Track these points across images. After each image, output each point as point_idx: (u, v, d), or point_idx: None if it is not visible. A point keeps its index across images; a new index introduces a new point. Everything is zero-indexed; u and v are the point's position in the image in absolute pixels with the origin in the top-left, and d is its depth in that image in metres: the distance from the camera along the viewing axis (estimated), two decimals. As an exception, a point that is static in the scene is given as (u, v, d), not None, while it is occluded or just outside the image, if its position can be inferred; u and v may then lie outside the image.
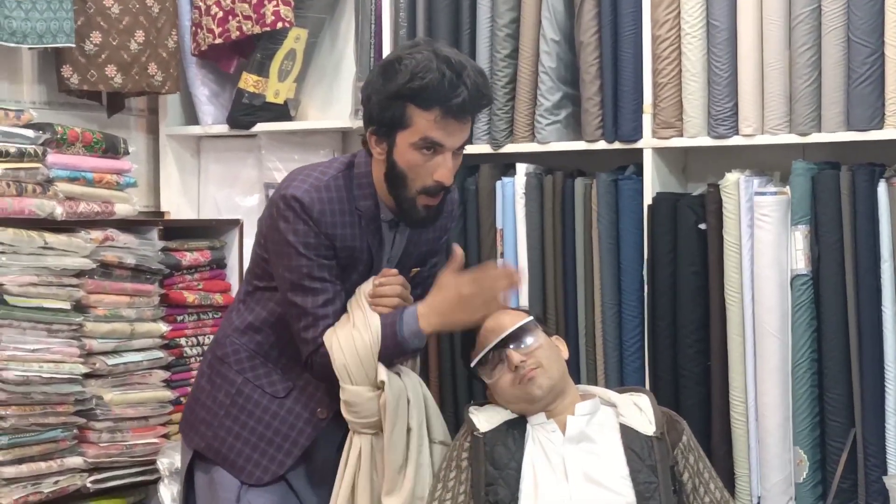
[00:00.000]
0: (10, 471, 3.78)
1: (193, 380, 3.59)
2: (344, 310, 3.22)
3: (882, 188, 3.61)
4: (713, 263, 3.86)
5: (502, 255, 4.15)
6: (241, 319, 3.36)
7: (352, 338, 3.15)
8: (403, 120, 3.07)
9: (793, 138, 3.78)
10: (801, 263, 3.72)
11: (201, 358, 3.57)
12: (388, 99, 3.08)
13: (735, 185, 3.79)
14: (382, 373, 3.15)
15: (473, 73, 3.14)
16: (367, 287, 3.26)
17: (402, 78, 3.05)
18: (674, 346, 3.90)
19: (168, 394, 4.31)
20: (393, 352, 3.19)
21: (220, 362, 3.33)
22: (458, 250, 3.32)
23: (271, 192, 4.50)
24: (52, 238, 3.89)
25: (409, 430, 3.18)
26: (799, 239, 3.72)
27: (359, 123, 4.35)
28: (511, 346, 3.19)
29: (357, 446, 3.22)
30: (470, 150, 4.12)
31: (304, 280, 3.17)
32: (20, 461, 3.83)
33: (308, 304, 3.17)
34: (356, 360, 3.15)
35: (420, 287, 3.41)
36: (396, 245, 3.35)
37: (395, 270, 3.29)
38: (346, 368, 3.14)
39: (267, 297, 3.31)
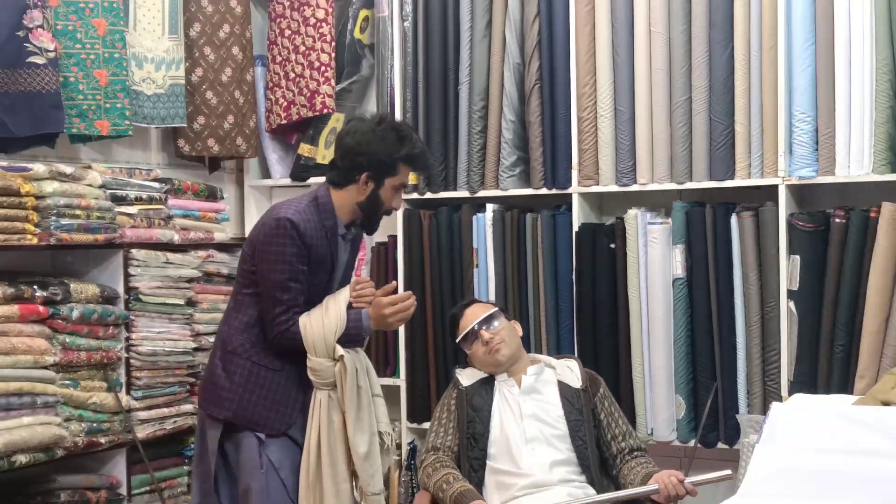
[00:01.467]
0: (143, 414, 3.84)
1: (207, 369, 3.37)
2: (305, 304, 3.19)
3: (734, 219, 3.75)
4: (620, 271, 3.94)
5: (477, 266, 4.17)
6: (238, 321, 3.23)
7: (322, 325, 3.15)
8: (395, 171, 3.18)
9: (672, 185, 3.86)
10: (679, 271, 3.82)
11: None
12: (391, 157, 3.17)
13: (634, 217, 3.90)
14: (339, 350, 3.14)
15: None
16: (345, 292, 3.25)
17: (406, 148, 3.17)
18: (594, 328, 3.99)
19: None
20: (352, 337, 3.20)
21: (231, 354, 3.20)
22: (393, 283, 3.47)
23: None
24: (171, 256, 3.98)
25: (359, 387, 3.18)
26: (678, 254, 3.82)
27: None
28: (483, 328, 3.28)
29: (318, 399, 3.19)
30: (454, 194, 4.25)
31: (287, 281, 3.13)
32: (150, 407, 3.89)
33: (285, 298, 3.13)
34: (322, 340, 3.15)
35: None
36: (343, 251, 3.32)
37: (368, 278, 3.55)
38: (314, 345, 3.14)
39: (255, 301, 3.21)
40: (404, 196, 4.25)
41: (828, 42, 3.57)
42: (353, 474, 3.21)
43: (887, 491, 2.11)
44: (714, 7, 3.75)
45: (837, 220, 3.58)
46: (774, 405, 2.69)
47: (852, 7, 3.50)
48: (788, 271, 3.62)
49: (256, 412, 3.18)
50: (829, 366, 3.58)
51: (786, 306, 3.63)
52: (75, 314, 3.58)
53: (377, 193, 3.20)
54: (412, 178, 4.28)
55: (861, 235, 3.54)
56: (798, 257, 3.61)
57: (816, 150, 3.61)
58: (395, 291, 3.31)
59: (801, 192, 3.72)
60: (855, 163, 3.53)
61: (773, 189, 3.67)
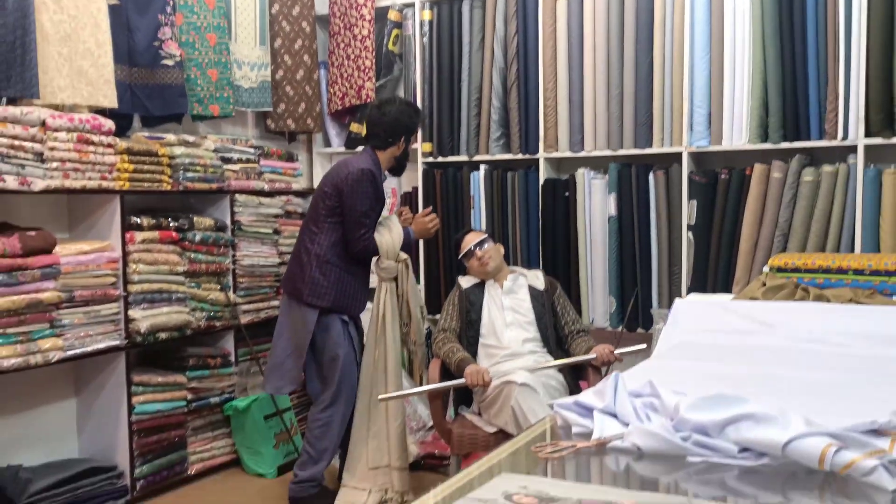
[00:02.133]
0: (244, 307, 3.89)
1: (303, 275, 3.24)
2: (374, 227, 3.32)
3: (651, 176, 3.74)
4: (571, 212, 3.93)
5: (473, 207, 4.17)
6: (327, 241, 3.22)
7: (391, 238, 3.33)
8: (411, 134, 3.36)
9: (609, 152, 3.84)
10: (612, 211, 3.83)
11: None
12: (414, 126, 3.36)
13: (582, 175, 3.89)
14: (402, 254, 3.38)
15: None
16: (394, 217, 3.44)
17: (419, 119, 3.41)
18: (553, 250, 3.99)
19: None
20: (405, 245, 3.38)
21: (326, 263, 3.20)
22: (430, 208, 3.65)
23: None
24: (262, 199, 4.00)
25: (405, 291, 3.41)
26: (611, 200, 3.83)
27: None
28: (477, 248, 3.31)
29: (385, 287, 3.35)
30: (458, 158, 4.24)
31: (369, 211, 3.23)
32: (249, 302, 3.92)
33: (366, 222, 3.23)
34: (392, 248, 3.33)
35: None
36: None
37: (407, 208, 3.61)
38: (386, 251, 3.30)
39: (336, 226, 3.23)
40: (424, 159, 4.29)
41: (718, 53, 3.53)
42: (404, 335, 3.46)
43: (747, 357, 2.16)
44: (640, 28, 3.71)
45: (723, 177, 3.58)
46: (677, 300, 2.71)
47: (736, 28, 3.49)
48: (688, 211, 3.63)
49: (345, 301, 3.27)
50: (715, 274, 3.59)
51: (685, 235, 3.64)
52: (197, 238, 3.62)
53: (406, 150, 3.37)
54: (426, 147, 4.30)
55: (738, 186, 3.54)
56: (696, 201, 3.61)
57: (709, 127, 3.59)
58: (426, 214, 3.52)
59: (698, 157, 3.70)
60: (736, 135, 3.52)
61: (678, 155, 3.65)
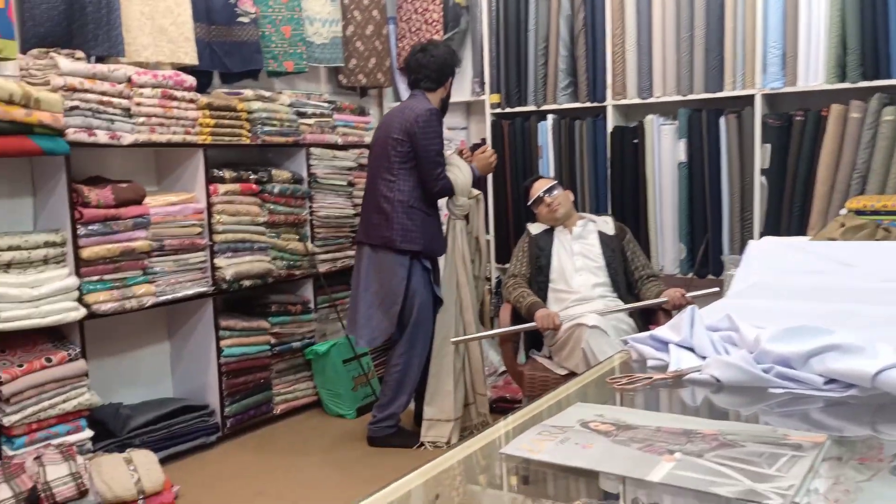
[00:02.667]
0: (322, 256, 3.90)
1: (390, 223, 3.18)
2: None
3: (722, 120, 3.57)
4: (640, 159, 3.79)
5: (541, 157, 4.07)
6: (407, 186, 3.17)
7: (463, 176, 3.29)
8: (452, 74, 3.36)
9: (678, 97, 3.68)
10: (682, 157, 3.68)
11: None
12: (450, 67, 3.33)
13: (651, 121, 3.75)
14: (474, 191, 3.36)
15: None
16: (457, 156, 3.39)
17: (453, 57, 3.36)
18: (622, 196, 3.87)
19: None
20: (473, 182, 3.33)
21: (410, 208, 3.15)
22: (484, 139, 3.68)
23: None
24: (336, 152, 3.98)
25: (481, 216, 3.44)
26: (681, 146, 3.68)
27: (475, 99, 4.38)
28: (546, 195, 3.24)
29: (457, 225, 3.32)
30: (525, 108, 4.14)
31: (442, 149, 3.21)
32: (326, 252, 3.92)
33: (441, 160, 3.19)
34: (465, 185, 3.29)
35: None
36: None
37: (486, 144, 3.63)
38: (461, 189, 3.27)
39: (412, 170, 3.17)
40: (492, 110, 4.20)
41: (795, -11, 3.33)
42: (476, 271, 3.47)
43: (826, 295, 2.03)
44: (712, -34, 3.52)
45: (798, 119, 3.39)
46: (751, 242, 2.57)
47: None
48: (761, 155, 3.45)
49: (433, 243, 3.26)
50: (789, 219, 3.42)
51: (758, 180, 3.47)
52: (276, 190, 3.63)
53: (450, 91, 3.38)
54: (494, 99, 4.20)
55: (814, 128, 3.35)
56: (769, 145, 3.43)
57: (784, 68, 3.39)
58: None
59: (772, 99, 3.51)
60: (812, 75, 3.32)
61: (751, 98, 3.47)
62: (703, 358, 1.44)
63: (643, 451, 1.03)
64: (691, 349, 1.49)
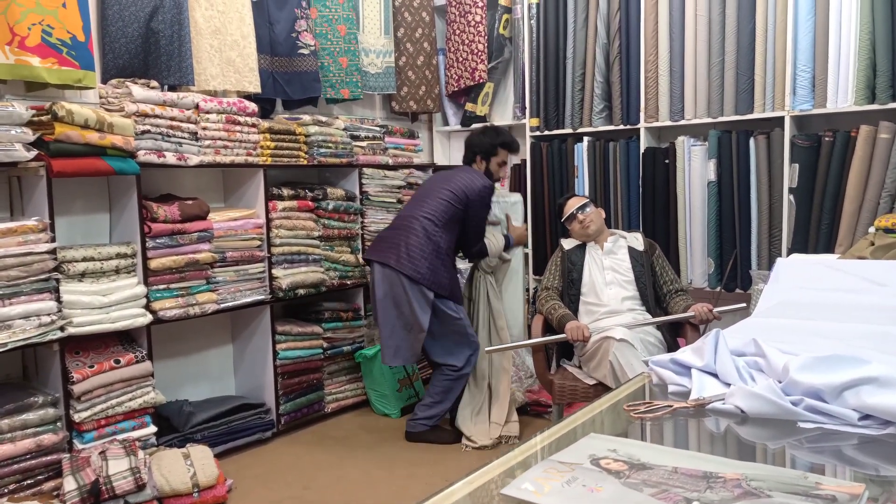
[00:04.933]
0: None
1: (425, 261, 3.03)
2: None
3: (752, 141, 3.29)
4: (671, 178, 3.55)
5: (577, 177, 3.86)
6: (451, 238, 3.11)
7: (496, 243, 3.28)
8: (495, 153, 3.22)
9: (708, 119, 3.41)
10: (712, 177, 3.42)
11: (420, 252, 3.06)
12: (492, 145, 3.22)
13: (682, 143, 3.50)
14: (506, 255, 3.34)
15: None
16: (497, 228, 3.37)
17: (501, 139, 3.22)
18: (653, 213, 3.62)
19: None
20: (505, 250, 3.31)
21: (446, 258, 3.07)
22: (524, 225, 3.54)
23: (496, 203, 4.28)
24: (387, 172, 3.82)
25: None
26: (711, 166, 3.41)
27: (516, 123, 4.19)
28: (579, 212, 3.03)
29: (487, 279, 3.32)
30: (563, 131, 3.93)
31: (487, 219, 3.22)
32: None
33: (483, 228, 3.20)
34: (497, 250, 3.27)
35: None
36: None
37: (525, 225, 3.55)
38: (492, 253, 3.26)
39: (456, 227, 3.11)
40: (531, 133, 4.02)
41: (823, 14, 3.04)
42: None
43: (858, 315, 1.77)
44: (742, -6, 3.27)
45: (827, 139, 3.09)
46: (779, 259, 2.32)
47: (844, -12, 2.98)
48: (790, 175, 3.17)
49: (456, 290, 3.14)
50: (816, 237, 3.13)
51: (786, 198, 3.19)
52: (331, 206, 3.51)
53: (489, 168, 3.26)
54: (534, 122, 4.01)
55: (843, 149, 3.04)
56: (797, 165, 3.14)
57: (813, 90, 3.10)
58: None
59: (800, 121, 3.22)
60: (841, 97, 3.02)
61: (780, 119, 3.19)
62: (728, 385, 1.23)
63: (657, 499, 0.84)
64: (715, 375, 1.27)
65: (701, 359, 1.29)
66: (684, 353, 1.33)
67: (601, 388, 2.65)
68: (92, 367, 2.57)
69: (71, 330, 2.50)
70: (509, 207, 3.46)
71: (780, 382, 1.16)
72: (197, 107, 2.98)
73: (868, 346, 1.40)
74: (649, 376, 1.38)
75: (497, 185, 3.35)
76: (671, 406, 1.18)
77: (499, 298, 3.34)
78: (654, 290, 2.94)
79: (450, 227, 3.11)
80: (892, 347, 1.46)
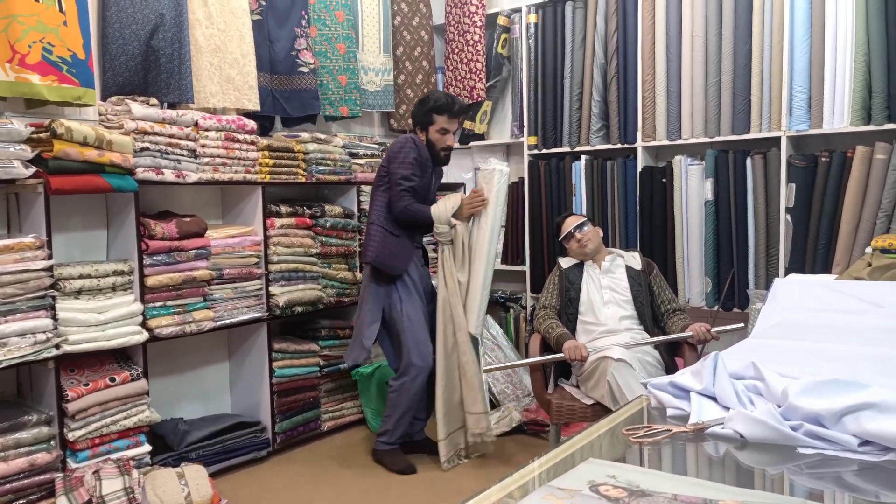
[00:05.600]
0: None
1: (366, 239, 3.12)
2: (417, 199, 3.05)
3: (748, 160, 3.30)
4: (668, 197, 3.55)
5: (574, 195, 3.86)
6: (378, 204, 3.06)
7: (445, 207, 3.04)
8: (431, 119, 3.05)
9: (705, 139, 3.43)
10: (709, 196, 3.42)
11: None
12: (425, 112, 3.06)
13: (679, 162, 3.50)
14: (453, 220, 3.03)
15: (459, 101, 3.11)
16: (458, 195, 3.11)
17: (432, 104, 3.03)
18: (651, 234, 3.62)
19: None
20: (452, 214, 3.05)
21: (372, 225, 3.06)
22: (481, 189, 3.12)
23: (478, 171, 4.41)
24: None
25: (464, 243, 3.05)
26: (708, 185, 3.43)
27: (514, 141, 4.20)
28: (577, 231, 3.03)
29: (442, 250, 3.06)
30: (561, 149, 3.94)
31: (409, 174, 3.00)
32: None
33: (406, 183, 2.99)
34: (440, 215, 3.03)
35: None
36: (432, 178, 3.16)
37: (480, 190, 3.10)
38: (436, 217, 3.01)
39: (384, 192, 3.05)
40: (529, 151, 4.03)
41: (819, 36, 3.07)
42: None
43: (857, 337, 1.76)
44: (738, 15, 3.28)
45: (823, 160, 3.10)
46: (777, 280, 2.32)
47: (838, 10, 3.01)
48: (786, 194, 3.18)
49: (389, 259, 3.05)
50: (813, 257, 3.13)
51: (783, 217, 3.19)
52: (328, 224, 3.51)
53: (429, 139, 3.09)
54: (532, 141, 4.03)
55: (839, 169, 3.06)
56: (794, 185, 3.16)
57: (809, 111, 3.13)
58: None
59: (797, 141, 3.24)
60: (837, 118, 3.04)
61: (777, 140, 3.20)
62: (727, 409, 1.22)
63: (656, 527, 0.83)
64: (714, 398, 1.27)
65: (700, 382, 1.29)
66: (683, 376, 1.32)
67: (599, 408, 2.63)
68: (87, 385, 2.55)
69: (67, 348, 2.48)
70: (486, 176, 3.13)
71: (779, 407, 1.16)
72: (196, 124, 2.98)
73: (868, 369, 1.40)
74: (648, 399, 1.38)
75: (493, 161, 3.13)
76: (670, 430, 1.17)
77: (457, 282, 3.04)
78: (651, 309, 2.93)
79: (380, 194, 3.08)
80: (892, 370, 1.45)
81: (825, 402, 1.10)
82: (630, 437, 1.17)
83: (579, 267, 3.05)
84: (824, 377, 1.16)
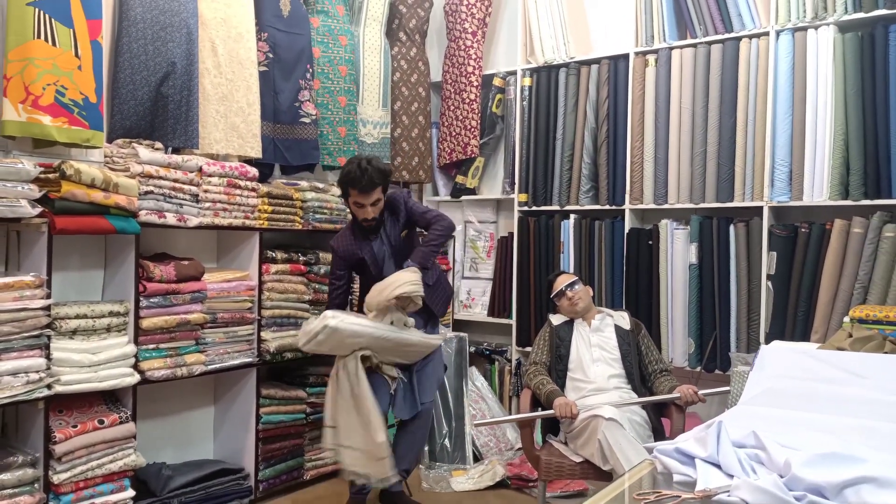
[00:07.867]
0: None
1: None
2: (343, 291, 3.17)
3: (731, 228, 3.42)
4: (654, 259, 3.64)
5: (563, 252, 3.96)
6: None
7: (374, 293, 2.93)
8: (346, 192, 3.01)
9: (691, 205, 3.56)
10: (693, 259, 3.53)
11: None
12: (339, 183, 3.06)
13: (665, 225, 3.61)
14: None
15: (371, 168, 2.91)
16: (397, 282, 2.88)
17: (342, 174, 3.00)
18: (636, 293, 3.70)
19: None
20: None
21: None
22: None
23: (468, 225, 4.49)
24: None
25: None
26: (693, 249, 3.53)
27: (504, 197, 4.30)
28: (568, 289, 3.10)
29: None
30: (550, 207, 4.04)
31: (332, 278, 3.17)
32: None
33: (330, 280, 3.18)
34: (369, 302, 2.96)
35: (408, 244, 3.14)
36: (378, 245, 3.09)
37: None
38: (367, 304, 2.92)
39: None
40: (519, 208, 4.12)
41: (800, 114, 3.23)
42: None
43: (842, 408, 1.84)
44: (724, 90, 3.44)
45: (803, 230, 3.24)
46: (763, 346, 2.40)
47: (818, 90, 3.18)
48: (768, 262, 3.29)
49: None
50: (793, 323, 3.23)
51: (765, 284, 3.30)
52: (322, 271, 3.53)
53: (350, 209, 3.08)
54: (522, 197, 4.13)
55: (818, 240, 3.19)
56: (775, 253, 3.28)
57: (790, 183, 3.27)
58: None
59: (778, 212, 3.38)
60: (817, 192, 3.19)
61: (759, 209, 3.34)
62: (731, 476, 1.27)
63: None
64: (718, 465, 1.32)
65: (704, 449, 1.34)
66: (688, 443, 1.37)
67: (587, 466, 2.66)
68: (75, 426, 2.51)
69: (58, 388, 2.46)
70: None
71: (782, 477, 1.21)
72: (200, 170, 3.03)
73: (857, 441, 1.46)
74: (653, 463, 1.42)
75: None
76: (679, 496, 1.22)
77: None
78: (639, 368, 2.99)
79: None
80: (879, 443, 1.52)
81: (827, 475, 1.16)
82: (641, 503, 1.21)
83: (569, 324, 3.10)
84: (824, 450, 1.22)
